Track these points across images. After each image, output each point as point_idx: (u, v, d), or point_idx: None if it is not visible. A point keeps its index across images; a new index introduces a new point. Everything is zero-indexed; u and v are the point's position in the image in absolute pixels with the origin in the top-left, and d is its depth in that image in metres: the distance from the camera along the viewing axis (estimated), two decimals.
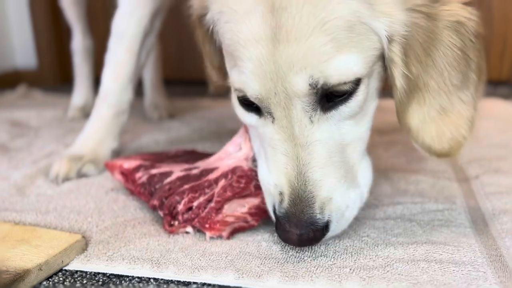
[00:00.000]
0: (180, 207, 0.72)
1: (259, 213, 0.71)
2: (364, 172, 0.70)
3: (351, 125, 0.67)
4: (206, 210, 0.70)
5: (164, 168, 0.83)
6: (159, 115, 1.57)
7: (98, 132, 1.07)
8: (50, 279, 0.63)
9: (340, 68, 0.59)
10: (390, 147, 1.14)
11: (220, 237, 0.70)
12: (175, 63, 2.35)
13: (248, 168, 0.73)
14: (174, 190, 0.75)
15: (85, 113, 1.61)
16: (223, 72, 0.78)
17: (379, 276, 0.59)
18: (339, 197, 0.63)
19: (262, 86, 0.61)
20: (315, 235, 0.62)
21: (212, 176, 0.75)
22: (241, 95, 0.66)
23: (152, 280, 0.62)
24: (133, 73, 1.07)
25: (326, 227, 0.62)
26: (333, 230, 0.64)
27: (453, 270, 0.60)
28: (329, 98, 0.62)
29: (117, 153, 1.11)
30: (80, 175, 1.00)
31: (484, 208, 0.78)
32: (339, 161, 0.64)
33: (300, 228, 0.61)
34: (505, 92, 1.86)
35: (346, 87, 0.61)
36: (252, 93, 0.63)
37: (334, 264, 0.62)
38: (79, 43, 1.67)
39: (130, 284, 0.61)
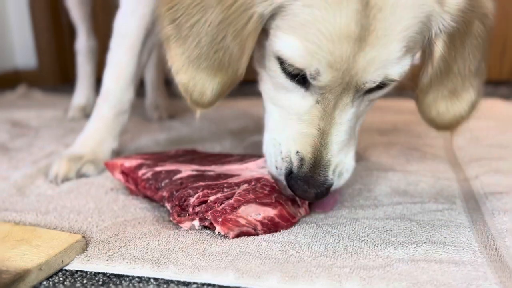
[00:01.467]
0: (193, 199, 0.72)
1: (270, 226, 0.71)
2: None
3: (367, 105, 0.75)
4: (223, 205, 0.70)
5: (169, 167, 0.83)
6: (159, 115, 1.57)
7: (99, 132, 1.07)
8: (50, 279, 0.63)
9: (401, 70, 0.66)
10: (390, 147, 1.14)
11: (226, 235, 0.70)
12: None
13: (273, 181, 0.74)
14: (187, 185, 0.75)
15: (86, 113, 1.61)
16: (236, 80, 0.76)
17: (379, 276, 0.59)
18: (344, 163, 0.73)
19: (332, 77, 0.65)
20: (327, 191, 0.71)
21: (233, 180, 0.76)
22: (291, 69, 0.67)
23: (152, 280, 0.62)
24: (134, 74, 1.07)
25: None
26: (335, 185, 0.73)
27: (453, 270, 0.60)
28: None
29: (117, 153, 1.11)
30: (80, 175, 1.00)
31: (484, 208, 0.79)
32: (352, 134, 0.73)
33: (317, 188, 0.70)
34: (505, 92, 1.86)
35: (392, 83, 0.68)
36: (322, 81, 0.66)
37: (334, 264, 0.62)
38: (83, 44, 1.67)
39: (130, 284, 0.61)
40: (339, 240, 0.69)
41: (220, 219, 0.69)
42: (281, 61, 0.68)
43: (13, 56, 2.48)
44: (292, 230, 0.72)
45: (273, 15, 0.67)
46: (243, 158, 0.86)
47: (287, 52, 0.66)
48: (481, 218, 0.75)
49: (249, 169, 0.80)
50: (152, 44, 1.10)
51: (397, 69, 0.65)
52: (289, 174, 0.71)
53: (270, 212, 0.71)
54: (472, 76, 0.75)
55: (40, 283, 0.62)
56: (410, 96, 0.82)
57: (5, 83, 2.30)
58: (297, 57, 0.65)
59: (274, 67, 0.71)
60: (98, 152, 1.05)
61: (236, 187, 0.73)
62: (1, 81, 2.31)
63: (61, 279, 0.63)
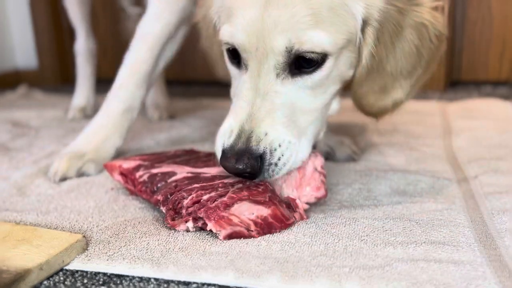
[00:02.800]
0: (186, 201, 0.72)
1: (263, 226, 0.70)
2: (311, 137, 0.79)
3: (308, 95, 0.77)
4: (216, 202, 0.70)
5: (165, 168, 0.83)
6: (159, 115, 1.57)
7: (104, 128, 1.04)
8: (50, 279, 0.63)
9: (313, 39, 0.71)
10: (390, 147, 1.14)
11: (218, 233, 0.69)
12: (176, 63, 2.34)
13: (268, 183, 0.75)
14: (182, 188, 0.75)
15: (86, 113, 1.62)
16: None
17: (378, 275, 0.59)
18: (273, 134, 0.73)
19: (248, 39, 0.73)
20: (250, 162, 0.71)
21: (227, 180, 0.76)
22: (227, 47, 0.78)
23: (152, 280, 0.62)
24: (150, 73, 1.07)
25: (261, 158, 0.72)
26: (269, 160, 0.73)
27: (452, 270, 0.60)
28: (297, 67, 0.74)
29: (119, 153, 1.09)
30: (80, 174, 0.98)
31: (483, 208, 0.79)
32: (287, 116, 0.74)
33: (238, 156, 0.72)
34: (505, 92, 1.86)
35: (313, 56, 0.72)
36: (239, 43, 0.74)
37: (334, 263, 0.63)
38: (82, 44, 1.67)
39: (131, 284, 0.61)
40: (339, 240, 0.69)
41: (212, 216, 0.68)
42: (226, 47, 0.79)
43: (13, 56, 2.48)
44: (291, 229, 0.72)
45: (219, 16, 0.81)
46: None
47: (223, 34, 0.77)
48: (480, 217, 0.76)
49: None
50: (170, 52, 1.12)
51: (308, 37, 0.70)
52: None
53: (264, 211, 0.71)
54: (402, 78, 0.82)
55: (41, 283, 0.62)
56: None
57: (6, 83, 2.30)
58: (226, 33, 0.76)
59: (225, 55, 0.82)
60: (101, 150, 1.02)
61: (230, 187, 0.74)
62: (2, 81, 2.31)
63: (61, 278, 0.63)
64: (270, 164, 0.73)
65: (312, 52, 0.72)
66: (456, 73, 2.06)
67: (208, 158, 0.89)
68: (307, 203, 0.77)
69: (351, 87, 0.84)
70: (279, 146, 0.73)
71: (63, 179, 0.96)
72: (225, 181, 0.76)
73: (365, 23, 0.75)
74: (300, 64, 0.74)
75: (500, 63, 1.99)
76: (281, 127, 0.74)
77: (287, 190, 0.78)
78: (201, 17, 0.92)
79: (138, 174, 0.83)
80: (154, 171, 0.83)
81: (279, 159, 0.73)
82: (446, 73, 1.98)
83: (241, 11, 0.73)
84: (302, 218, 0.76)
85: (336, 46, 0.73)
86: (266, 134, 0.73)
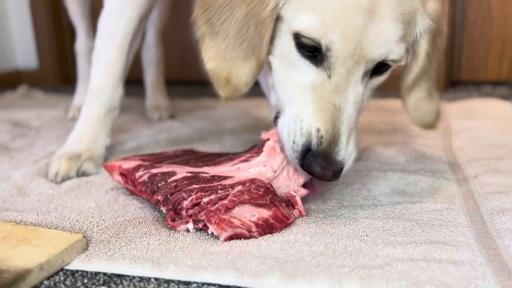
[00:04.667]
0: (186, 203, 0.72)
1: (264, 227, 0.71)
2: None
3: (368, 96, 0.81)
4: (217, 205, 0.70)
5: (165, 168, 0.83)
6: (159, 115, 1.57)
7: (91, 129, 1.08)
8: (51, 279, 0.63)
9: (399, 52, 0.74)
10: (390, 147, 1.14)
11: (219, 236, 0.70)
12: (176, 63, 2.35)
13: (268, 182, 0.74)
14: (181, 188, 0.75)
15: None
16: (260, 67, 0.83)
17: (378, 275, 0.59)
18: (352, 143, 0.77)
19: (345, 46, 0.71)
20: (339, 173, 0.75)
21: (227, 182, 0.76)
22: (305, 40, 0.73)
23: (152, 279, 0.62)
24: (123, 72, 1.09)
25: None
26: (345, 170, 0.76)
27: (452, 270, 0.60)
28: (372, 71, 0.77)
29: (109, 150, 1.13)
30: (80, 173, 1.01)
31: (483, 208, 0.79)
32: (357, 119, 0.78)
33: (336, 165, 0.73)
34: (505, 92, 1.86)
35: (392, 63, 0.77)
36: (334, 47, 0.72)
37: (334, 263, 0.63)
38: (82, 44, 1.67)
39: (131, 284, 0.62)
40: (339, 240, 0.69)
41: (213, 219, 0.68)
42: (298, 37, 0.74)
43: (14, 57, 2.48)
44: (291, 229, 0.72)
45: (288, 2, 0.75)
46: (232, 157, 0.86)
47: (305, 26, 0.72)
48: (480, 217, 0.76)
49: (241, 170, 0.80)
50: (137, 44, 1.13)
51: (398, 49, 0.74)
52: (306, 152, 0.74)
53: (265, 213, 0.71)
54: (434, 79, 0.89)
55: (41, 283, 0.62)
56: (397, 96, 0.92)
57: (6, 83, 2.30)
58: (314, 29, 0.72)
59: (288, 45, 0.76)
60: (93, 149, 1.06)
61: (230, 189, 0.73)
62: (2, 82, 2.32)
63: (62, 278, 0.63)
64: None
65: (394, 61, 0.76)
66: (456, 73, 2.06)
67: (208, 158, 0.89)
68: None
69: (402, 97, 0.90)
70: (349, 155, 0.77)
71: (65, 179, 0.98)
72: (224, 183, 0.76)
73: (424, 31, 0.81)
74: (375, 68, 0.77)
75: (500, 63, 1.99)
76: (354, 141, 0.77)
77: (285, 182, 0.79)
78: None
79: (138, 174, 0.83)
80: (154, 171, 0.83)
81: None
82: (446, 73, 1.98)
83: (341, 12, 0.70)
84: (301, 214, 0.76)
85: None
86: (348, 144, 0.75)
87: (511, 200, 0.80)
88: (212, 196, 0.72)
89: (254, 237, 0.70)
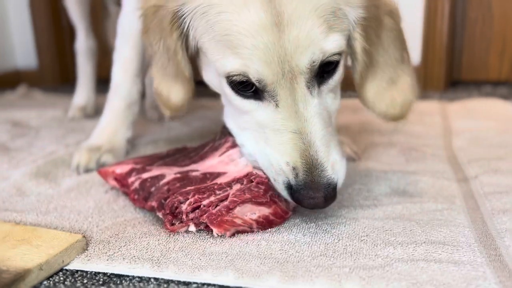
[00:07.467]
0: (185, 206, 0.72)
1: (265, 224, 0.72)
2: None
3: (332, 98, 0.77)
4: (218, 207, 0.70)
5: (154, 171, 0.83)
6: (159, 115, 1.57)
7: (112, 123, 1.14)
8: (50, 279, 0.63)
9: (333, 43, 0.70)
10: (390, 147, 1.14)
11: (223, 235, 0.70)
12: None
13: (266, 177, 0.74)
14: (175, 191, 0.75)
15: (86, 113, 1.62)
16: (191, 85, 0.85)
17: (378, 275, 0.59)
18: (338, 158, 0.72)
19: (270, 71, 0.68)
20: (334, 193, 0.69)
21: (222, 180, 0.76)
22: (238, 80, 0.71)
23: (152, 280, 0.62)
24: (139, 68, 1.14)
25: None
26: (339, 185, 0.71)
27: (452, 270, 0.60)
28: (320, 75, 0.72)
29: (131, 143, 1.18)
30: (100, 164, 1.05)
31: (483, 208, 0.79)
32: (329, 130, 0.73)
33: (324, 190, 0.68)
34: (505, 92, 1.86)
35: (335, 58, 0.71)
36: (260, 76, 0.69)
37: (334, 263, 0.63)
38: (82, 43, 1.67)
39: (131, 284, 0.61)
40: (339, 240, 0.69)
41: (215, 222, 0.69)
42: (230, 78, 0.72)
43: (13, 56, 2.48)
44: (291, 229, 0.72)
45: (193, 23, 0.74)
46: (215, 146, 0.86)
47: (230, 69, 0.71)
48: (481, 218, 0.76)
49: (231, 160, 0.79)
50: None
51: (330, 43, 0.69)
52: (290, 188, 0.70)
53: (265, 211, 0.72)
54: (399, 64, 0.83)
55: (41, 283, 0.62)
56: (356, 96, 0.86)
57: (6, 83, 2.30)
58: (237, 66, 0.70)
59: (228, 91, 0.75)
60: (114, 142, 1.12)
61: (228, 188, 0.73)
62: (2, 81, 2.31)
63: (61, 278, 0.63)
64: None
65: (335, 54, 0.71)
66: (456, 73, 2.06)
67: (195, 153, 0.89)
68: None
69: (362, 98, 0.83)
70: (341, 167, 0.73)
71: (87, 170, 1.03)
72: (219, 181, 0.75)
73: (355, 23, 0.76)
74: (322, 70, 0.72)
75: (500, 63, 1.99)
76: (335, 149, 0.72)
77: None
78: (151, 6, 0.82)
79: (130, 181, 0.83)
80: (145, 176, 0.82)
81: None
82: (446, 72, 1.98)
83: (249, 39, 0.67)
84: (296, 206, 0.76)
85: (345, 42, 0.74)
86: (335, 161, 0.71)
87: (511, 200, 0.80)
88: (212, 198, 0.72)
89: (254, 231, 0.72)
